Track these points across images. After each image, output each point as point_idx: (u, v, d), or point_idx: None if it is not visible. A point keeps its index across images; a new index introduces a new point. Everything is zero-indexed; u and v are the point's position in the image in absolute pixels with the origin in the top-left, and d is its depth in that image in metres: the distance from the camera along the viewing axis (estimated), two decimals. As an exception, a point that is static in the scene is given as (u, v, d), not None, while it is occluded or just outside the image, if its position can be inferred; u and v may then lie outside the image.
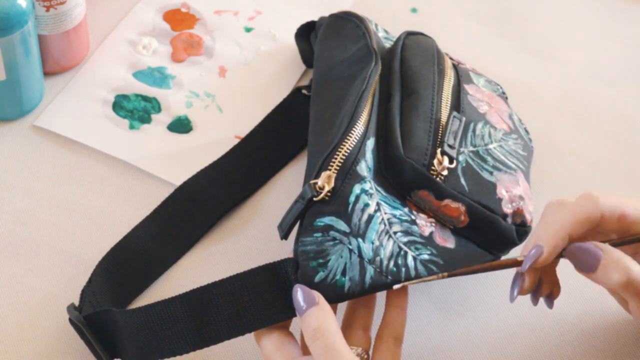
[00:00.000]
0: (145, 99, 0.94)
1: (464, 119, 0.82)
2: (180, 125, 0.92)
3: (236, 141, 0.91)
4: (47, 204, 0.87)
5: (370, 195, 0.76)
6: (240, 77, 0.96)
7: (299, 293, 0.72)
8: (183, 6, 1.01)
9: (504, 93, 0.90)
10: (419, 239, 0.77)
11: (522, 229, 0.80)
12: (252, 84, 0.96)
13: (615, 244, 0.75)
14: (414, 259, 0.75)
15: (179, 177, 0.88)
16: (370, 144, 0.79)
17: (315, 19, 0.99)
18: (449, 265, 0.76)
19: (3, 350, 0.79)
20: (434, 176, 0.78)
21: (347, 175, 0.76)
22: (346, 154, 0.77)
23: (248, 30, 1.00)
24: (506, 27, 1.02)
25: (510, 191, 0.80)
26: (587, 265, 0.74)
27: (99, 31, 0.99)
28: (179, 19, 1.00)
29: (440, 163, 0.79)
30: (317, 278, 0.73)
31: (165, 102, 0.94)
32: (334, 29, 0.91)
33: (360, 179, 0.77)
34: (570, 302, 0.83)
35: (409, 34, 0.88)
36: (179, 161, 0.90)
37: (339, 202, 0.75)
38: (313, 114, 0.85)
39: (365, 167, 0.77)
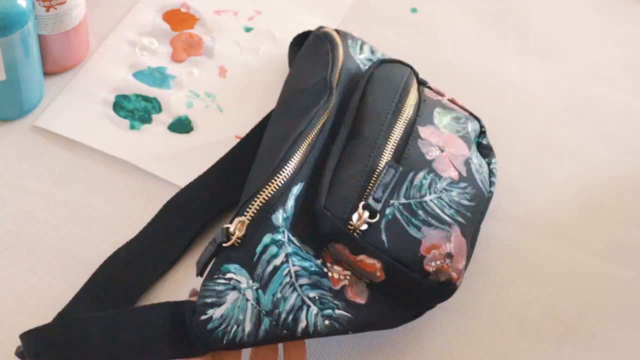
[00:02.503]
0: (146, 99, 0.94)
1: (400, 168, 0.80)
2: (181, 125, 0.93)
3: (237, 141, 0.91)
4: (47, 204, 0.87)
5: (281, 245, 0.76)
6: (240, 77, 0.97)
7: None
8: (183, 6, 1.01)
9: (482, 127, 0.89)
10: (327, 293, 0.76)
11: (446, 288, 0.78)
12: (252, 84, 0.96)
13: None
14: (316, 314, 0.75)
15: (181, 176, 0.89)
16: (296, 189, 0.78)
17: (314, 19, 1.00)
18: (358, 320, 0.76)
19: (3, 350, 0.80)
20: (351, 231, 0.77)
21: (261, 223, 0.76)
22: (265, 200, 0.77)
23: (248, 30, 1.00)
24: (506, 27, 1.03)
25: (437, 248, 0.78)
26: None
27: (99, 31, 0.99)
28: (178, 19, 1.00)
29: (359, 217, 0.77)
30: (210, 325, 0.74)
31: (166, 102, 0.94)
32: (312, 50, 0.90)
33: (273, 228, 0.76)
34: (571, 303, 0.84)
35: (383, 62, 0.87)
36: (180, 161, 0.90)
37: (246, 250, 0.76)
38: (264, 141, 0.85)
39: (281, 216, 0.77)
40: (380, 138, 0.81)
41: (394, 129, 0.82)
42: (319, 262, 0.77)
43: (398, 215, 0.78)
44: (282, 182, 0.78)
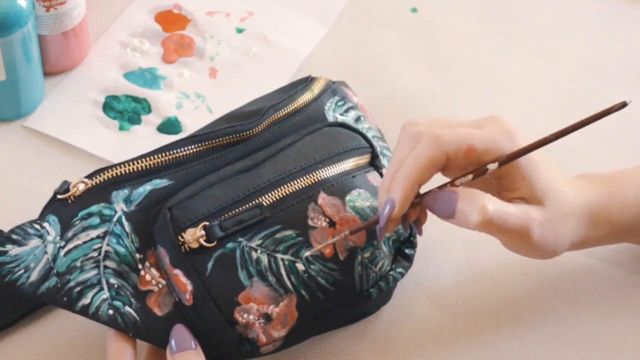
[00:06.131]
0: (136, 99, 0.99)
1: (267, 215, 0.80)
2: (170, 126, 0.98)
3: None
4: (44, 202, 0.88)
5: (106, 221, 0.79)
6: (230, 78, 1.02)
7: (179, 333, 0.78)
8: (175, 7, 1.06)
9: (412, 237, 0.86)
10: (129, 287, 0.79)
11: (248, 347, 0.79)
12: (242, 85, 1.01)
13: (461, 179, 0.77)
14: (105, 300, 0.78)
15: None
16: (158, 182, 0.81)
17: (307, 20, 1.06)
18: (144, 327, 0.78)
19: (3, 351, 0.84)
20: (180, 241, 0.78)
21: (99, 193, 0.80)
22: (116, 175, 0.80)
23: (240, 31, 1.05)
24: (506, 26, 1.07)
25: (258, 304, 0.79)
26: (444, 212, 0.76)
27: (98, 32, 1.04)
28: (170, 20, 1.05)
29: (193, 234, 0.78)
30: (2, 258, 0.79)
31: (156, 103, 0.99)
32: (286, 86, 0.90)
33: (108, 202, 0.80)
34: (570, 303, 0.88)
35: (344, 126, 0.86)
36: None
37: (70, 210, 0.80)
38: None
39: (123, 195, 0.80)
40: (272, 182, 0.82)
41: (293, 182, 0.82)
42: (138, 256, 0.80)
43: (238, 254, 0.79)
44: (144, 168, 0.80)
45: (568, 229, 0.80)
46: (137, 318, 0.79)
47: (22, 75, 0.95)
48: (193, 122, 0.99)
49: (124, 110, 0.99)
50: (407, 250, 0.87)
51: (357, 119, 0.90)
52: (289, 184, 0.82)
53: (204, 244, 0.79)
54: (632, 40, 1.07)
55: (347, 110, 0.90)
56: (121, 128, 0.98)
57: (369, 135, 0.90)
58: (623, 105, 0.74)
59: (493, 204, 0.76)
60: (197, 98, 1.01)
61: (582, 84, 1.03)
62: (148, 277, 0.80)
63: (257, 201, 0.81)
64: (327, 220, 0.82)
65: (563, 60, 1.05)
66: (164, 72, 1.02)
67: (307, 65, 1.04)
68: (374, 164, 0.88)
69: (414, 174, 0.77)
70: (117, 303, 0.79)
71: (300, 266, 0.80)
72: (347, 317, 0.86)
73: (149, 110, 1.00)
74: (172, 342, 0.78)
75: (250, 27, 1.06)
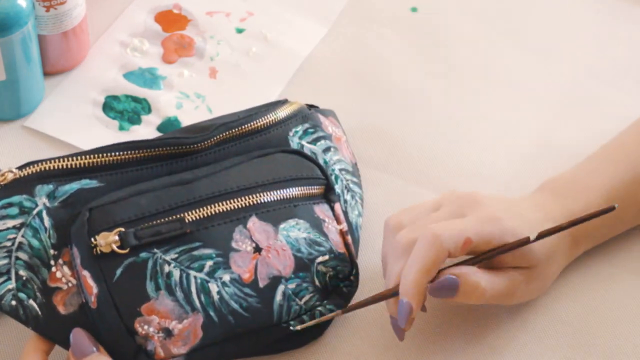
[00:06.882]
0: (136, 99, 1.00)
1: (187, 230, 0.80)
2: (170, 126, 0.99)
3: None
4: None
5: (25, 212, 0.80)
6: (230, 78, 1.03)
7: (76, 337, 0.79)
8: (175, 7, 1.07)
9: (352, 274, 0.86)
10: (37, 281, 0.79)
11: (146, 358, 0.79)
12: (242, 85, 1.02)
13: (473, 263, 0.83)
14: (10, 290, 0.79)
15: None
16: (87, 183, 0.81)
17: (307, 20, 1.06)
18: (45, 323, 0.79)
19: (3, 351, 0.85)
20: (92, 244, 0.79)
21: (25, 185, 0.80)
22: (44, 169, 0.80)
23: (240, 31, 1.06)
24: (506, 26, 1.07)
25: (161, 318, 0.79)
26: (446, 295, 0.82)
27: (98, 32, 1.05)
28: (170, 20, 1.06)
29: (105, 238, 0.78)
30: None
31: (156, 103, 1.00)
32: (258, 107, 0.91)
33: (30, 194, 0.80)
34: (570, 304, 0.89)
35: (299, 153, 0.87)
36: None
37: None
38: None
39: (47, 190, 0.80)
40: (203, 199, 0.81)
41: (225, 202, 0.82)
42: (52, 252, 0.80)
43: (150, 265, 0.79)
44: (75, 166, 0.81)
45: (554, 268, 0.87)
46: (39, 313, 0.80)
47: (22, 75, 0.96)
48: (193, 122, 0.97)
49: (124, 110, 1.00)
50: (345, 289, 0.86)
51: (326, 150, 0.90)
52: (220, 203, 0.82)
53: (116, 249, 0.79)
54: (632, 40, 1.07)
55: (316, 140, 0.90)
56: (121, 128, 0.99)
57: (336, 167, 0.90)
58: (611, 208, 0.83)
59: (490, 286, 0.83)
60: (197, 98, 1.02)
61: (582, 84, 1.04)
62: (59, 275, 0.80)
63: (180, 215, 0.80)
64: (254, 245, 0.82)
65: (563, 60, 1.06)
66: (164, 72, 1.03)
67: (307, 65, 1.05)
68: (327, 196, 0.88)
69: (422, 276, 0.81)
70: (22, 295, 0.79)
71: (213, 287, 0.80)
72: (263, 345, 0.84)
73: (148, 110, 1.01)
74: (72, 348, 0.79)
75: (250, 27, 1.07)
